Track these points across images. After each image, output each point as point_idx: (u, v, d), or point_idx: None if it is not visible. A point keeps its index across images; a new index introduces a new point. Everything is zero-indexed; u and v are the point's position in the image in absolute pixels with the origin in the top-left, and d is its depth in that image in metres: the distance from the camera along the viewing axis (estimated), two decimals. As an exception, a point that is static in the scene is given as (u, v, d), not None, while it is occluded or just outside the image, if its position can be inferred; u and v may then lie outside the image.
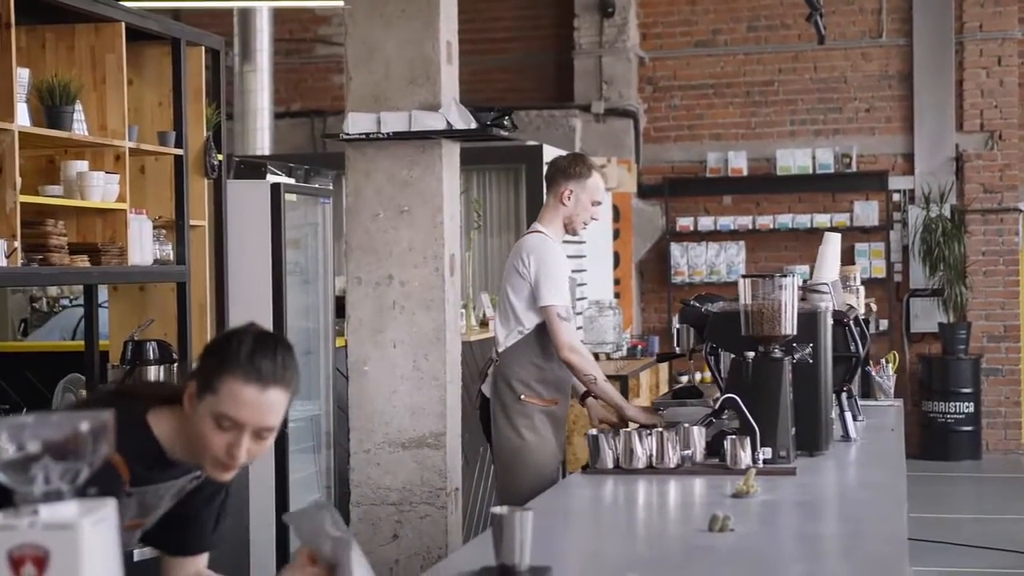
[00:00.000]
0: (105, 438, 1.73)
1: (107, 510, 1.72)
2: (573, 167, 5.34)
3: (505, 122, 6.01)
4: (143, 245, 5.25)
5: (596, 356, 10.31)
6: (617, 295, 12.10)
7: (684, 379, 12.03)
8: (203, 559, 2.94)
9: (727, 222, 12.77)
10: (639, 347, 10.71)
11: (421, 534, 5.50)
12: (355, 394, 5.60)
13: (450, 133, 5.63)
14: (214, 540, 2.91)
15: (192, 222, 5.67)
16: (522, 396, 5.21)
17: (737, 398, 4.25)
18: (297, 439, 6.57)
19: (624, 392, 9.25)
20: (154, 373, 5.37)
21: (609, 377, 9.11)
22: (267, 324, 6.21)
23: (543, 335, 5.18)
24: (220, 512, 2.89)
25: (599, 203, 5.36)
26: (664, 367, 11.29)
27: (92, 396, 2.80)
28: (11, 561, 1.65)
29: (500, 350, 5.29)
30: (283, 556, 6.29)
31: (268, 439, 2.59)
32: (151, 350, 5.38)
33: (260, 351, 2.59)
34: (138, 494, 2.65)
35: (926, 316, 12.49)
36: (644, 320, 13.03)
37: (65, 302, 9.25)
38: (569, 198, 5.28)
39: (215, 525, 2.89)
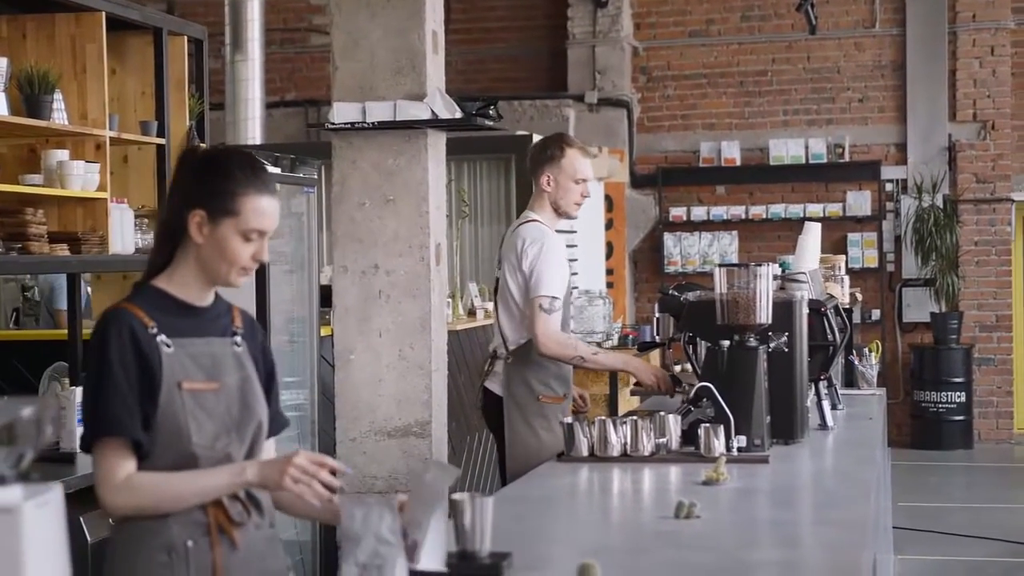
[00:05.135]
0: (48, 424, 1.75)
1: (52, 494, 1.74)
2: (545, 151, 5.22)
3: (490, 112, 6.02)
4: (124, 234, 5.26)
5: (587, 345, 10.32)
6: (611, 285, 12.12)
7: (677, 368, 12.07)
8: (270, 447, 3.03)
9: (720, 212, 12.79)
10: (631, 336, 10.72)
11: (407, 522, 5.51)
12: (341, 383, 5.61)
13: (435, 123, 5.64)
14: (280, 418, 3.02)
15: (175, 211, 5.68)
16: (540, 396, 5.09)
17: (712, 387, 4.27)
18: (282, 427, 6.57)
19: (614, 382, 9.26)
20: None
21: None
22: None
23: None
24: (271, 385, 3.00)
25: (583, 180, 5.19)
26: (656, 356, 11.31)
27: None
28: (-48, 544, 1.66)
29: (511, 348, 5.13)
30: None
31: (266, 242, 2.86)
32: (133, 338, 5.38)
33: (254, 167, 2.85)
34: (180, 346, 2.78)
35: (918, 306, 12.51)
36: (638, 310, 13.05)
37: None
38: (549, 183, 5.18)
39: (272, 398, 2.99)
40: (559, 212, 5.23)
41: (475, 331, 7.71)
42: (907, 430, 12.34)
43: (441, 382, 5.79)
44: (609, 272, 12.27)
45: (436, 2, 5.85)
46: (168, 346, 2.77)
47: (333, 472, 2.73)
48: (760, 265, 4.36)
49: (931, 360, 12.24)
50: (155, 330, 2.77)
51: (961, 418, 12.20)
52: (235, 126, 10.43)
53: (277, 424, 3.00)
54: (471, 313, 8.17)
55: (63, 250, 4.91)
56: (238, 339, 2.91)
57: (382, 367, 5.61)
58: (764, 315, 4.32)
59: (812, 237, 5.60)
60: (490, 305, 8.45)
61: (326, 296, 6.12)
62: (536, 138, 9.99)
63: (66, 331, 5.73)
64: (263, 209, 2.81)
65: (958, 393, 12.16)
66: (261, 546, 2.85)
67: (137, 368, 2.73)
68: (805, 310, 4.64)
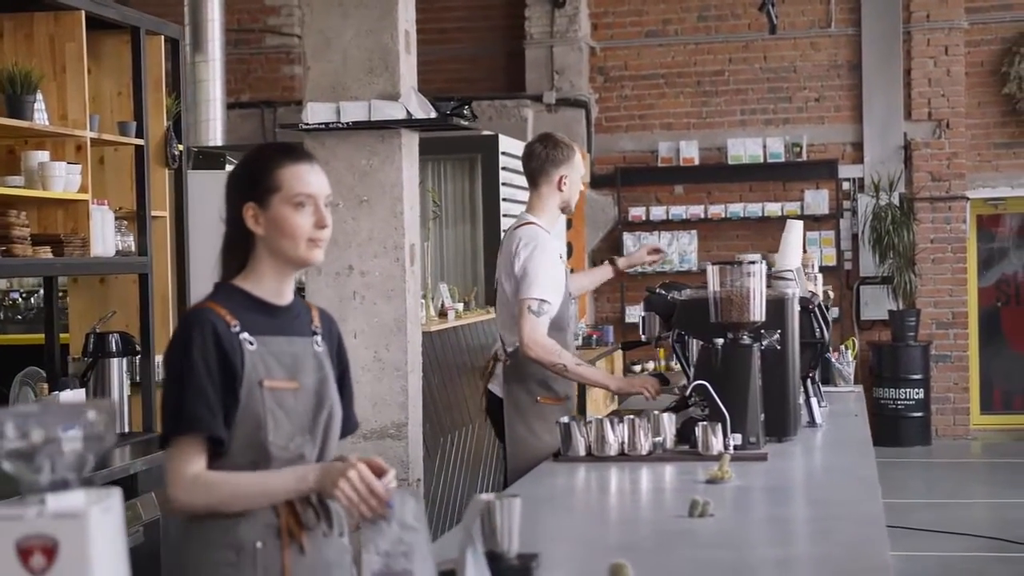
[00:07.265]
0: (111, 427, 1.71)
1: (113, 499, 1.71)
2: (559, 152, 5.12)
3: (465, 112, 6.01)
4: (105, 236, 5.18)
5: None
6: (570, 285, 12.11)
7: (637, 368, 12.10)
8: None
9: (679, 211, 12.83)
10: (594, 336, 10.75)
11: (383, 524, 5.47)
12: (317, 385, 5.56)
13: (410, 123, 5.62)
14: (350, 420, 2.98)
15: (153, 213, 5.60)
16: (539, 399, 5.02)
17: (707, 385, 4.26)
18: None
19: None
20: (116, 366, 5.30)
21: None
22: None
23: (552, 332, 4.97)
24: (344, 385, 2.96)
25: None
26: (619, 356, 11.34)
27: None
28: (20, 552, 1.63)
29: (510, 350, 5.03)
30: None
31: (330, 211, 2.85)
32: (113, 342, 5.31)
33: (284, 146, 2.89)
34: (262, 344, 2.77)
35: (876, 303, 12.60)
36: (597, 310, 13.07)
37: (15, 295, 9.12)
38: (565, 183, 5.10)
39: (345, 399, 2.95)
40: (565, 211, 5.18)
41: (447, 332, 7.67)
42: (866, 427, 12.43)
43: (416, 384, 5.77)
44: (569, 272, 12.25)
45: (408, 2, 5.82)
46: (251, 344, 2.75)
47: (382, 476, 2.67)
48: (753, 263, 4.37)
49: (889, 357, 12.33)
50: (237, 328, 2.75)
51: (919, 415, 12.30)
52: (196, 127, 10.31)
53: (347, 427, 2.97)
54: (443, 314, 8.13)
55: (46, 252, 4.83)
56: (318, 339, 2.88)
57: (358, 369, 5.57)
58: (758, 312, 4.33)
59: (795, 235, 5.62)
60: (461, 306, 8.44)
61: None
62: (502, 139, 9.98)
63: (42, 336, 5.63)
64: (302, 174, 2.81)
65: (916, 390, 12.26)
66: (330, 555, 2.81)
67: (220, 366, 2.71)
68: (796, 307, 4.66)
